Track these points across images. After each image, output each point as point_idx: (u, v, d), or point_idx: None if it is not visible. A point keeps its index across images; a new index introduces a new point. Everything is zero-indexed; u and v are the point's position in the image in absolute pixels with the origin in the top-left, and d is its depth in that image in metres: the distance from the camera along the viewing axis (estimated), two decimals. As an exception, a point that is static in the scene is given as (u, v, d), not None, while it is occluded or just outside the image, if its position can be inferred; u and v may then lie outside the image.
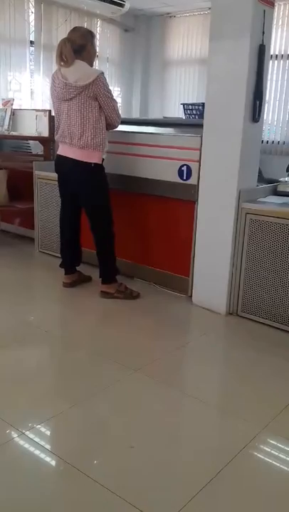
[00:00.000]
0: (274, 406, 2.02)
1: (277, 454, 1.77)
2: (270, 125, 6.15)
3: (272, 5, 2.75)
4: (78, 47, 2.85)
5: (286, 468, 1.70)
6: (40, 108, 5.65)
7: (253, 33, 2.64)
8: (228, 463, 1.66)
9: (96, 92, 2.80)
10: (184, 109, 3.73)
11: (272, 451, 1.79)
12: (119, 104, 7.15)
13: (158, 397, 2.07)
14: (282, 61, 6.06)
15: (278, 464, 1.71)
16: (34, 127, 4.13)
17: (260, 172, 3.05)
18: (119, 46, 6.90)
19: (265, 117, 2.91)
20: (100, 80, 2.79)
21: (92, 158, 2.90)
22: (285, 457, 1.75)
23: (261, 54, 2.70)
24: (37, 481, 1.55)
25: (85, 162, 2.90)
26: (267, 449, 1.79)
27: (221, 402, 2.11)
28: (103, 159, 2.97)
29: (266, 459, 1.74)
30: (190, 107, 3.66)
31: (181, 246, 3.20)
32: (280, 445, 1.82)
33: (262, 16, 2.68)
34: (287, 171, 5.72)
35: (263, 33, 2.71)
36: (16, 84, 5.65)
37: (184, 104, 3.75)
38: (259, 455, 1.75)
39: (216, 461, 1.68)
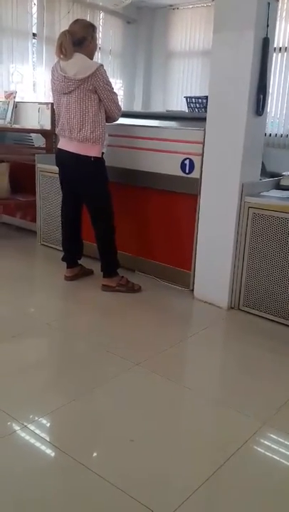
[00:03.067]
0: (275, 401, 2.03)
1: (278, 448, 1.78)
2: (273, 118, 6.12)
3: (277, -3, 2.73)
4: (78, 39, 2.83)
5: (287, 463, 1.70)
6: (43, 100, 5.64)
7: (257, 25, 2.61)
8: (229, 458, 1.66)
9: (95, 85, 2.78)
10: (187, 103, 3.70)
11: (273, 446, 1.79)
12: (121, 97, 7.15)
13: (159, 391, 2.08)
14: (286, 54, 6.02)
15: (279, 459, 1.72)
16: (36, 120, 4.12)
17: (262, 165, 3.03)
18: (122, 38, 6.87)
19: (268, 110, 2.89)
20: (99, 72, 2.77)
21: (92, 151, 2.89)
22: (286, 452, 1.76)
23: (265, 47, 2.68)
24: (38, 474, 1.56)
25: (85, 156, 2.89)
26: (268, 444, 1.80)
27: (222, 396, 2.11)
28: (103, 153, 2.96)
29: (267, 454, 1.74)
30: (193, 100, 3.64)
31: (183, 240, 3.20)
32: (281, 440, 1.82)
33: (266, 8, 2.65)
34: (290, 165, 5.70)
35: (268, 26, 2.68)
36: (18, 76, 5.63)
37: (187, 98, 3.73)
38: (260, 450, 1.75)
39: (217, 455, 1.68)
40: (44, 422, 1.82)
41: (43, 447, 1.69)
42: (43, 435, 1.74)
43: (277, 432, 1.85)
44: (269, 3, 2.66)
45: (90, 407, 1.94)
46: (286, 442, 1.81)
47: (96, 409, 1.93)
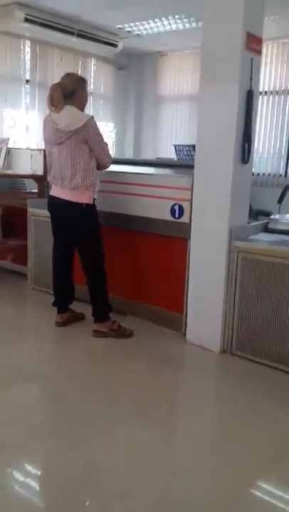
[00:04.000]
0: (269, 449, 2.01)
1: (272, 500, 1.75)
2: (260, 158, 6.30)
3: (260, 53, 2.86)
4: (69, 92, 2.93)
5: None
6: (36, 144, 5.77)
7: (241, 79, 2.73)
8: (226, 509, 1.64)
9: (86, 136, 2.87)
10: (176, 150, 3.82)
11: (267, 498, 1.76)
12: (112, 141, 7.31)
13: (152, 441, 2.05)
14: (271, 96, 6.25)
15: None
16: (29, 165, 4.20)
17: (249, 205, 3.10)
18: (113, 83, 7.09)
19: (255, 148, 2.99)
20: (90, 124, 2.86)
21: (83, 198, 2.95)
22: (280, 504, 1.73)
23: (249, 99, 2.79)
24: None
25: (77, 202, 2.95)
26: (263, 494, 1.77)
27: (216, 445, 2.09)
28: (94, 199, 3.01)
29: (263, 505, 1.71)
30: (181, 148, 3.76)
31: (175, 283, 3.22)
32: (275, 491, 1.79)
33: (250, 63, 2.78)
34: (278, 202, 5.83)
35: (251, 79, 2.80)
36: (10, 120, 5.78)
37: (175, 146, 3.84)
38: (255, 501, 1.72)
39: (212, 507, 1.65)
40: (32, 475, 1.78)
41: (29, 500, 1.65)
42: (29, 487, 1.70)
43: (271, 481, 1.82)
44: (252, 59, 2.79)
45: (81, 458, 1.90)
46: (280, 493, 1.79)
47: (88, 461, 1.89)
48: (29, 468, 1.84)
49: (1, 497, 1.68)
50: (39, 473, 1.83)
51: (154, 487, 1.77)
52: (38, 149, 4.25)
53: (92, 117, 2.91)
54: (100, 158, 2.97)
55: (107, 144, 3.01)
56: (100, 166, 3.02)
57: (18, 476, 1.77)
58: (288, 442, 2.08)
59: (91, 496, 1.72)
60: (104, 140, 3.00)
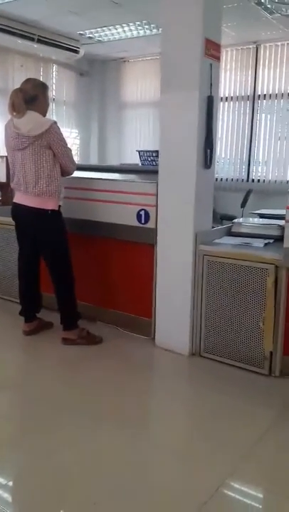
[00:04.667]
0: (239, 449, 2.04)
1: (243, 499, 1.78)
2: (223, 162, 6.42)
3: (218, 59, 2.92)
4: (31, 97, 2.92)
5: (252, 516, 1.71)
6: (-2, 151, 5.68)
7: (201, 85, 2.78)
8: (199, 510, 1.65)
9: (49, 141, 2.85)
10: (140, 156, 3.85)
11: (238, 497, 1.79)
12: (77, 146, 7.27)
13: (122, 447, 2.05)
14: (232, 102, 6.39)
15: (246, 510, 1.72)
16: (-9, 173, 4.14)
17: (213, 210, 3.15)
18: (75, 89, 7.08)
19: (218, 154, 3.06)
20: (52, 129, 2.85)
21: (48, 205, 2.92)
22: (251, 502, 1.76)
23: (210, 104, 2.85)
24: None
25: (41, 209, 2.92)
26: (234, 494, 1.80)
27: (187, 447, 2.11)
28: (60, 205, 3.00)
29: (234, 504, 1.74)
30: (145, 154, 3.79)
31: (143, 288, 3.23)
32: (246, 490, 1.83)
33: (209, 69, 2.83)
34: (241, 207, 5.96)
35: (211, 85, 2.86)
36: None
37: (139, 151, 3.87)
38: (227, 501, 1.75)
39: (185, 509, 1.67)
40: (4, 486, 1.75)
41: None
42: (2, 502, 1.67)
43: (242, 482, 1.85)
44: (211, 64, 2.85)
45: (52, 469, 1.88)
46: (252, 491, 1.82)
47: (58, 471, 1.88)
48: (2, 479, 1.80)
49: None
50: (10, 483, 1.80)
51: (125, 492, 1.77)
52: (1, 156, 4.18)
53: (55, 122, 2.90)
54: (64, 164, 2.95)
55: (71, 150, 3.00)
56: (64, 172, 3.00)
57: (-12, 490, 1.74)
58: (259, 440, 2.12)
59: (62, 504, 1.70)
60: (68, 146, 2.99)
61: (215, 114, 2.90)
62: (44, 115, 2.99)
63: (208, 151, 2.85)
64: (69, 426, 2.20)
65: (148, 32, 5.64)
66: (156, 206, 3.02)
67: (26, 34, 5.44)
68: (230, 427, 2.23)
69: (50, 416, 2.29)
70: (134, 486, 1.82)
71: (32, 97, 2.92)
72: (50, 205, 2.93)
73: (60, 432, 2.15)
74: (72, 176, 3.10)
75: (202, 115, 2.80)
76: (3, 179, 4.07)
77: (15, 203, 3.06)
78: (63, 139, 2.93)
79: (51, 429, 2.17)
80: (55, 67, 6.72)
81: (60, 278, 3.06)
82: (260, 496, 1.84)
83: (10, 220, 3.22)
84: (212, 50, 2.81)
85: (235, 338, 2.80)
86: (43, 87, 3.01)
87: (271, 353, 2.70)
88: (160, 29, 5.23)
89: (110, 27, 5.53)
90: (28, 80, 3.04)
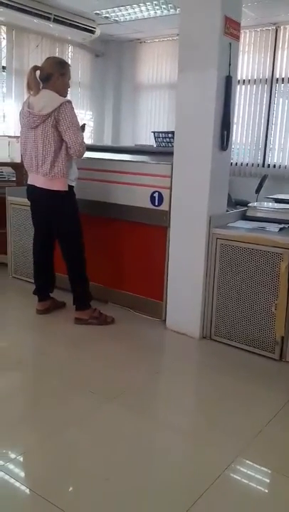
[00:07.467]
0: (248, 431, 2.05)
1: (250, 482, 1.79)
2: (238, 148, 6.33)
3: (238, 38, 2.86)
4: (45, 76, 2.89)
5: (259, 496, 1.72)
6: (13, 131, 5.67)
7: (219, 65, 2.73)
8: (204, 492, 1.67)
9: (58, 119, 2.79)
10: (155, 137, 3.80)
11: (246, 480, 1.80)
12: (91, 128, 7.20)
13: (132, 427, 2.07)
14: (249, 86, 6.27)
15: (252, 493, 1.73)
16: (6, 153, 4.14)
17: (228, 195, 3.12)
18: (91, 71, 7.01)
19: (233, 139, 3.00)
20: (63, 108, 2.79)
21: (57, 185, 2.90)
22: (256, 486, 1.77)
23: (228, 85, 2.80)
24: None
25: (51, 190, 2.91)
26: (241, 477, 1.81)
27: (196, 429, 2.12)
28: (72, 186, 2.98)
29: (241, 487, 1.75)
30: (160, 135, 3.74)
31: (155, 270, 3.23)
32: (253, 473, 1.84)
33: (228, 48, 2.78)
34: (256, 193, 5.89)
35: (230, 64, 2.81)
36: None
37: (154, 132, 3.83)
38: (234, 483, 1.76)
39: (193, 489, 1.68)
40: (16, 461, 1.79)
41: (15, 488, 1.65)
42: (15, 476, 1.70)
43: (251, 463, 1.86)
44: (230, 44, 2.80)
45: (63, 445, 1.92)
46: (258, 475, 1.83)
47: (70, 447, 1.91)
48: (12, 453, 1.84)
49: (-17, 483, 1.68)
50: (22, 458, 1.83)
51: (136, 469, 1.79)
52: (16, 136, 4.18)
53: (69, 101, 2.84)
54: (70, 146, 2.83)
55: (80, 132, 2.86)
56: (73, 154, 2.87)
57: (3, 461, 1.77)
58: (268, 423, 2.12)
59: (74, 479, 1.73)
60: (78, 128, 2.85)
61: (233, 95, 2.85)
62: (62, 94, 2.92)
63: (225, 132, 2.81)
64: (80, 403, 2.22)
65: (165, 12, 5.54)
66: (171, 188, 3.00)
67: (42, 13, 5.37)
68: (240, 410, 2.24)
69: (61, 393, 2.32)
70: (144, 463, 1.84)
71: (47, 75, 2.90)
72: (57, 185, 2.90)
73: (71, 409, 2.18)
74: (86, 156, 3.04)
75: (220, 95, 2.76)
76: (18, 160, 4.06)
77: (29, 184, 3.06)
78: (74, 120, 2.82)
79: (62, 406, 2.20)
80: (70, 48, 6.65)
81: (72, 259, 3.07)
82: (269, 475, 1.84)
83: (25, 200, 3.23)
84: (231, 28, 2.76)
85: (246, 322, 2.79)
86: (60, 66, 2.95)
87: (282, 338, 2.69)
88: (178, 9, 5.14)
89: (127, 6, 5.43)
90: (47, 59, 3.03)
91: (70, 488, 1.70)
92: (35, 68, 2.89)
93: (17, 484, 1.68)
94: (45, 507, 1.57)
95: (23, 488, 1.68)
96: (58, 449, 1.89)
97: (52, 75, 2.90)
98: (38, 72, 2.90)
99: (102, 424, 2.08)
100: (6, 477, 1.70)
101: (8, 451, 1.86)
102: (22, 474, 1.77)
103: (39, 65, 2.95)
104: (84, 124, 3.10)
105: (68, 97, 2.98)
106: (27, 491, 1.66)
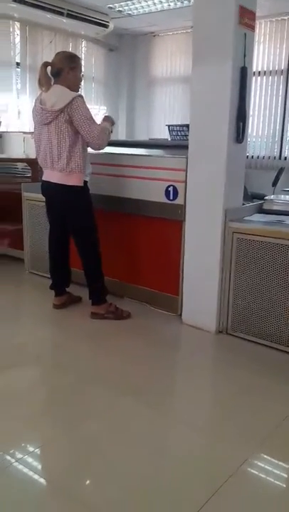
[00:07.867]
0: (265, 427, 2.03)
1: (266, 477, 1.77)
2: (254, 141, 6.26)
3: (253, 28, 2.82)
4: (55, 71, 2.88)
5: (276, 492, 1.70)
6: (28, 127, 5.70)
7: (234, 56, 2.69)
8: (220, 487, 1.66)
9: (71, 115, 2.78)
10: (170, 131, 3.77)
11: (262, 475, 1.79)
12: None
13: (148, 422, 2.07)
14: (265, 77, 6.19)
15: (268, 489, 1.72)
16: (22, 149, 4.16)
17: (244, 188, 3.09)
18: (104, 66, 7.00)
19: (249, 132, 2.95)
20: (75, 102, 2.78)
21: (72, 180, 2.90)
22: (274, 481, 1.76)
23: (243, 76, 2.76)
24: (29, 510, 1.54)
25: (66, 185, 2.91)
26: (258, 473, 1.80)
27: (212, 424, 2.11)
28: (86, 181, 2.98)
29: (257, 483, 1.74)
30: (175, 128, 3.71)
31: (170, 265, 3.22)
32: (270, 468, 1.82)
33: (243, 39, 2.74)
34: (273, 186, 5.82)
35: (245, 55, 2.76)
36: (2, 105, 5.70)
37: (169, 126, 3.80)
38: (250, 479, 1.75)
39: (207, 486, 1.67)
40: (34, 454, 1.80)
41: (34, 482, 1.67)
42: (33, 469, 1.72)
43: (268, 458, 1.85)
44: (246, 34, 2.75)
45: (80, 439, 1.92)
46: (275, 470, 1.81)
47: (86, 441, 1.91)
48: (30, 447, 1.85)
49: (5, 477, 1.69)
50: (39, 451, 1.85)
51: (151, 463, 1.79)
52: (31, 132, 4.19)
53: (80, 96, 2.82)
54: (88, 140, 2.83)
55: (96, 125, 2.84)
56: (92, 147, 2.91)
57: (21, 454, 1.79)
58: (285, 417, 2.10)
59: (90, 473, 1.74)
60: (93, 121, 2.84)
61: (248, 86, 2.81)
62: (74, 89, 2.91)
63: (241, 124, 2.77)
64: (96, 398, 2.23)
65: (179, 3, 5.49)
66: (186, 182, 2.98)
67: (56, 8, 5.38)
68: (256, 405, 2.22)
69: (77, 387, 2.33)
70: (160, 459, 1.84)
71: (57, 70, 2.89)
72: (74, 181, 2.90)
73: (87, 403, 2.19)
74: (100, 151, 3.04)
75: (235, 87, 2.72)
76: (33, 155, 4.07)
77: (43, 180, 3.07)
78: (88, 114, 2.81)
79: (79, 400, 2.21)
80: (84, 43, 6.65)
81: (87, 254, 3.08)
82: (287, 470, 1.82)
83: (40, 196, 3.24)
84: (247, 18, 2.71)
85: (263, 317, 2.76)
86: (70, 60, 2.93)
87: (301, 332, 2.66)
88: (191, 0, 5.08)
89: (140, -1, 5.41)
90: (57, 54, 3.00)
91: (87, 482, 1.71)
92: (46, 64, 2.89)
93: (35, 477, 1.70)
94: (62, 500, 1.58)
95: (41, 480, 1.69)
96: (74, 443, 1.90)
97: (62, 70, 2.89)
98: (49, 68, 2.90)
99: (118, 418, 2.08)
100: (25, 470, 1.72)
101: (26, 444, 1.88)
102: (40, 467, 1.78)
103: None
104: (107, 116, 3.11)
105: (82, 92, 2.98)
106: (45, 483, 1.68)
